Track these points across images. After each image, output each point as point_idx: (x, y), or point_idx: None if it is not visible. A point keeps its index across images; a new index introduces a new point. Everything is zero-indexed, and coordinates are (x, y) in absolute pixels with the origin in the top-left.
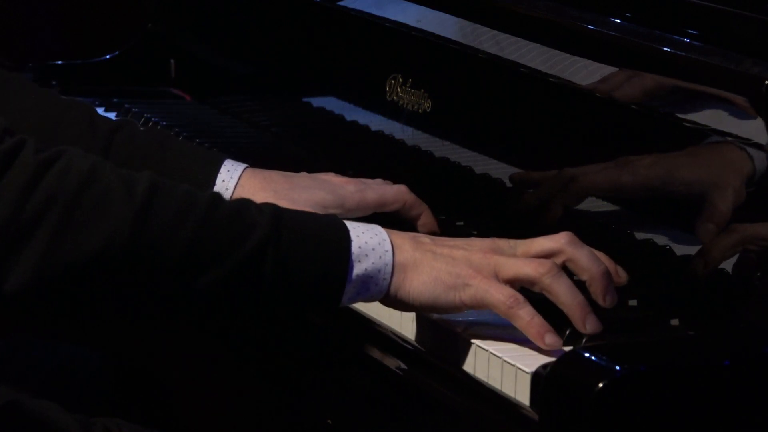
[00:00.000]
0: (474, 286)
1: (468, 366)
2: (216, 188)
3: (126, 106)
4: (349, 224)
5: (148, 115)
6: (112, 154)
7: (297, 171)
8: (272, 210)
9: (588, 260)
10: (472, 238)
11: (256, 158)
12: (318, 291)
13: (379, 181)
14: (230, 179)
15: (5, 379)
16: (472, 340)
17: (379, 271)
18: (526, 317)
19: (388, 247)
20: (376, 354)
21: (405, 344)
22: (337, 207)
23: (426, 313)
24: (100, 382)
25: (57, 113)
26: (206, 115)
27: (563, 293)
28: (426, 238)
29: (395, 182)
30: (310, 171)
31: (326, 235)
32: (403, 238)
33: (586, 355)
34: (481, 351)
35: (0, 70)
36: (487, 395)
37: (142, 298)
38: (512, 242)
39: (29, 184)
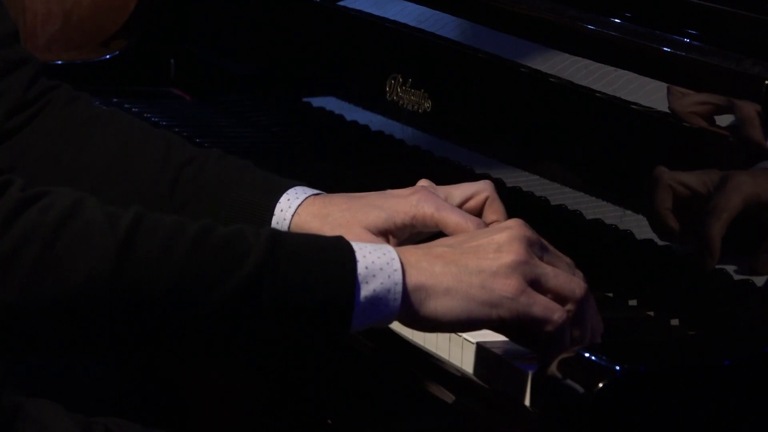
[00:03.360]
0: (515, 301)
1: (467, 364)
2: (274, 218)
3: (126, 106)
4: (355, 245)
5: (148, 115)
6: (177, 190)
7: (295, 169)
8: (270, 234)
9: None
10: (496, 230)
11: (256, 158)
12: (324, 317)
13: (466, 187)
14: (288, 208)
15: (5, 378)
16: (473, 339)
17: (389, 291)
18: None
19: (397, 266)
20: (376, 353)
21: (404, 343)
22: (387, 223)
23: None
24: (101, 382)
25: (134, 148)
26: (206, 115)
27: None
28: (442, 248)
29: (395, 182)
30: (308, 170)
31: (330, 258)
32: (418, 255)
33: (586, 355)
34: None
35: (91, 107)
36: (487, 394)
37: (131, 334)
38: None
39: (9, 218)
